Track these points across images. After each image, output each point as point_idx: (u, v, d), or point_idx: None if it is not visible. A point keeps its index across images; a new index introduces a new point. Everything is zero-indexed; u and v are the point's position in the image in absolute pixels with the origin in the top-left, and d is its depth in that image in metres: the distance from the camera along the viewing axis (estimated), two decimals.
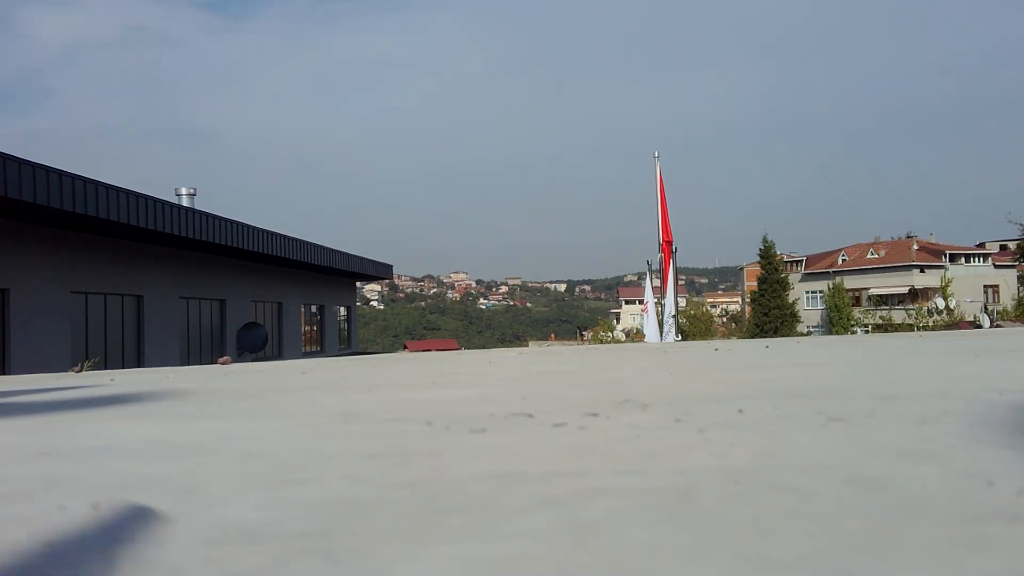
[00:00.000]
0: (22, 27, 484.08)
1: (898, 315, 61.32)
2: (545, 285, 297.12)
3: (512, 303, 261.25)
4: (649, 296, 19.09)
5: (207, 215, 19.40)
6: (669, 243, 17.89)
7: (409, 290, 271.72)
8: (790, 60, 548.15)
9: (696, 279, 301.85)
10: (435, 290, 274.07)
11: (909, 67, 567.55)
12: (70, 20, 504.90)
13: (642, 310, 21.26)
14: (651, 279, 19.43)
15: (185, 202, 25.21)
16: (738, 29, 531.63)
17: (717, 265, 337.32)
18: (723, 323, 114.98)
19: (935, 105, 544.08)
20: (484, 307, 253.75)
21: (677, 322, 16.64)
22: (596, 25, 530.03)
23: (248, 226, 21.73)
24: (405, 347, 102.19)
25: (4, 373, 14.73)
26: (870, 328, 58.85)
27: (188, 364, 21.40)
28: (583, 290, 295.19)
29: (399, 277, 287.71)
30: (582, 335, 74.55)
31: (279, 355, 27.43)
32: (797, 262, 73.66)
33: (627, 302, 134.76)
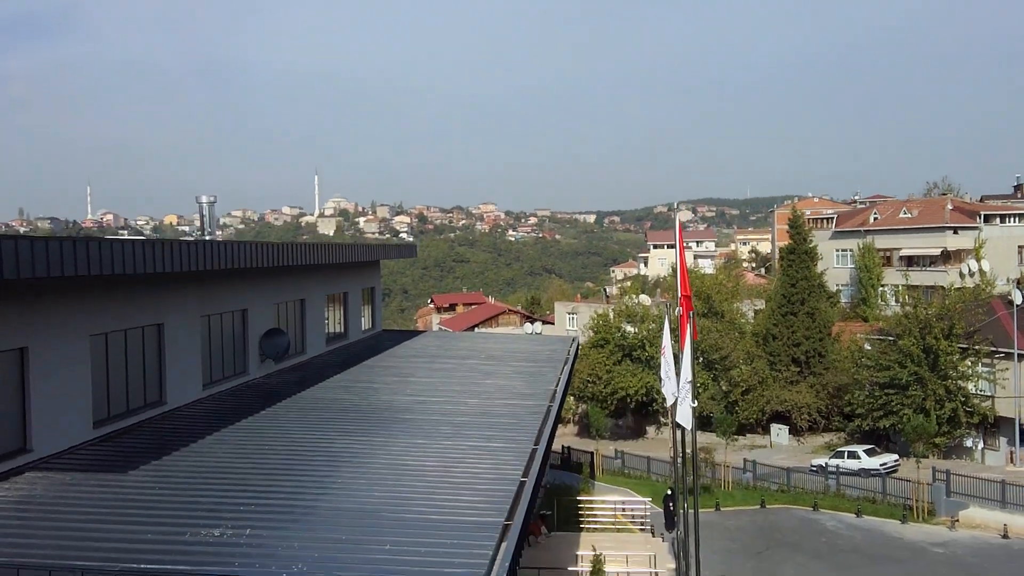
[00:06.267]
0: None
1: (929, 277, 60.49)
2: (574, 216, 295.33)
3: (541, 235, 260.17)
4: (667, 343, 19.02)
5: (226, 244, 19.38)
6: (687, 298, 17.56)
7: (438, 221, 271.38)
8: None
9: (727, 210, 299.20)
10: (464, 221, 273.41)
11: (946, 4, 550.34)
12: None
13: (661, 355, 21.27)
14: (670, 334, 19.40)
15: (205, 209, 25.30)
16: None
17: (748, 196, 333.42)
18: (752, 268, 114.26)
19: (977, 40, 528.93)
20: (513, 239, 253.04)
21: (694, 387, 16.43)
22: None
23: (268, 244, 21.75)
24: (431, 301, 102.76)
25: (26, 432, 14.92)
26: (901, 289, 58.16)
27: (211, 382, 21.58)
28: (612, 221, 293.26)
29: (428, 208, 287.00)
30: (608, 298, 74.20)
31: (303, 352, 27.65)
32: (828, 219, 72.48)
33: (655, 247, 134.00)
